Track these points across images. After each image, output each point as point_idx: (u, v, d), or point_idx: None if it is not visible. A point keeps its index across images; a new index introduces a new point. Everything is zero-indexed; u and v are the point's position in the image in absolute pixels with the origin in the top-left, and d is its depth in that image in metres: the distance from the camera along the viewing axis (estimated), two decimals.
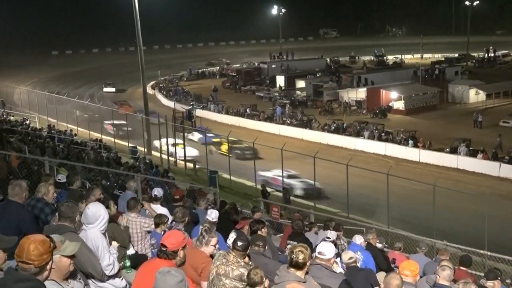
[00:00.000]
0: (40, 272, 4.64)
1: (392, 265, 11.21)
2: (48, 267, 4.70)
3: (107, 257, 6.70)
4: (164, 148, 40.55)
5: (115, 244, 7.32)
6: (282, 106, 59.91)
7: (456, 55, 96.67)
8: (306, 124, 52.26)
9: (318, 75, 78.55)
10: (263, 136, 44.19)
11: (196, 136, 44.77)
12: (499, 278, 8.69)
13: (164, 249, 6.17)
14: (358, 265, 8.85)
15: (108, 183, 21.11)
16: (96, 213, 6.78)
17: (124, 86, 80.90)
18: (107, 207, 7.94)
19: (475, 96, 62.59)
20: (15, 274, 4.54)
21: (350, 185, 29.46)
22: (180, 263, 6.26)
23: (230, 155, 38.07)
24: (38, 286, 4.53)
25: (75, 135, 42.43)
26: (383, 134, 46.25)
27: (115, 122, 46.75)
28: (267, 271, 7.06)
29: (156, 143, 42.57)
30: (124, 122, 46.44)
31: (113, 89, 78.63)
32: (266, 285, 6.12)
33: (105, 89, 78.81)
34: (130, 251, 8.42)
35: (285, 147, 32.75)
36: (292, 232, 12.07)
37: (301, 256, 6.24)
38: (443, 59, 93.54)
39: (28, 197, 8.24)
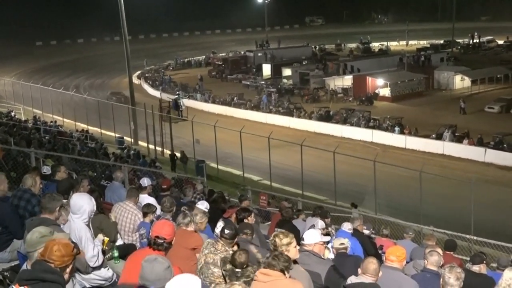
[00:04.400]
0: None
1: (380, 251, 11.28)
2: (68, 270, 4.91)
3: (91, 248, 6.67)
4: None
5: (100, 237, 7.27)
6: (269, 95, 59.92)
7: (442, 41, 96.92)
8: (292, 112, 52.33)
9: (304, 63, 78.52)
10: (250, 124, 44.17)
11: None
12: (484, 262, 8.76)
13: (161, 241, 6.03)
14: (347, 252, 8.91)
15: (95, 174, 21.02)
16: (77, 203, 6.74)
17: (110, 76, 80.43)
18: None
19: (461, 82, 62.87)
20: (43, 265, 4.75)
21: (337, 172, 29.59)
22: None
23: None
24: (61, 281, 4.70)
25: (61, 126, 42.16)
26: (369, 121, 46.40)
27: None
28: (255, 259, 7.09)
29: None
30: None
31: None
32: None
33: None
34: (118, 242, 8.42)
35: (272, 135, 32.79)
36: (280, 220, 12.11)
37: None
38: (428, 45, 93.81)
39: (14, 189, 8.21)
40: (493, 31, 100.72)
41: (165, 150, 39.91)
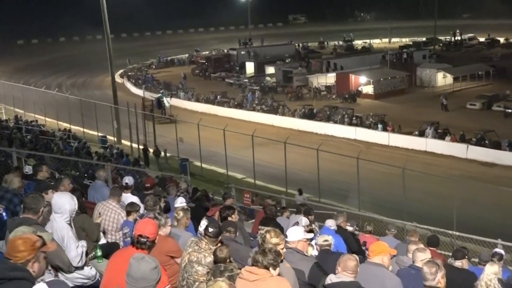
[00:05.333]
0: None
1: (363, 248, 11.33)
2: (31, 265, 4.74)
3: (74, 247, 6.63)
4: None
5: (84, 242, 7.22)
6: (252, 93, 59.92)
7: (424, 39, 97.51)
8: (276, 110, 52.39)
9: (287, 61, 78.64)
10: (234, 122, 44.17)
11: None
12: (466, 257, 8.83)
13: (144, 239, 6.02)
14: (331, 249, 8.92)
15: (78, 173, 20.91)
16: (58, 202, 6.70)
17: (92, 75, 79.96)
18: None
19: (443, 79, 63.29)
20: (7, 263, 4.64)
21: (321, 170, 29.67)
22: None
23: None
24: (28, 277, 4.59)
25: (43, 125, 41.87)
26: (353, 118, 46.55)
27: None
28: (239, 257, 7.11)
29: None
30: None
31: None
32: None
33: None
34: (102, 241, 8.38)
35: (256, 133, 32.78)
36: (264, 218, 12.11)
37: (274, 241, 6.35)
38: (411, 43, 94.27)
39: None
40: (474, 29, 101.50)
41: (149, 149, 39.73)
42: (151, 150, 37.63)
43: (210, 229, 7.21)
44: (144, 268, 4.89)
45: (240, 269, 6.06)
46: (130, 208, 9.36)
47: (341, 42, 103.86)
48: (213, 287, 4.80)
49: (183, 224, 8.86)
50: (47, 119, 47.21)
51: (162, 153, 38.10)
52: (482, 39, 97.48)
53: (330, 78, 63.47)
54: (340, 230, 11.11)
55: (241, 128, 39.43)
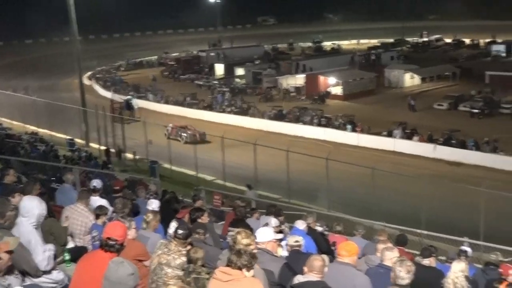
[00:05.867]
0: None
1: (333, 248, 11.38)
2: None
3: (40, 251, 6.55)
4: None
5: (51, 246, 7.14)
6: (222, 94, 59.90)
7: (392, 40, 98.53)
8: (246, 111, 52.44)
9: (257, 63, 78.78)
10: (204, 124, 44.14)
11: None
12: (434, 255, 8.95)
13: (112, 242, 5.97)
14: (301, 249, 8.96)
15: (45, 177, 20.64)
16: (27, 206, 6.63)
17: (60, 77, 79.01)
18: None
19: (411, 80, 64.08)
20: None
21: (291, 171, 29.77)
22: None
23: None
24: None
25: (9, 128, 41.25)
26: (322, 119, 46.81)
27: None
28: (208, 258, 7.09)
29: None
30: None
31: None
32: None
33: None
34: (70, 245, 8.30)
35: (226, 134, 32.75)
36: (234, 219, 12.10)
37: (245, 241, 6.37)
38: (379, 44, 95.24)
39: None
40: (441, 30, 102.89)
41: (112, 149, 39.39)
42: (113, 151, 37.44)
43: (180, 231, 7.19)
44: (122, 272, 4.87)
45: (209, 273, 6.07)
46: (99, 211, 9.29)
47: (310, 44, 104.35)
48: None
49: (152, 226, 8.81)
50: (13, 122, 46.52)
51: (132, 156, 37.86)
52: (448, 40, 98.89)
53: (299, 80, 63.81)
54: (310, 231, 11.15)
55: (211, 129, 39.37)
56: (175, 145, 35.66)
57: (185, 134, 42.70)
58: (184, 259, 6.84)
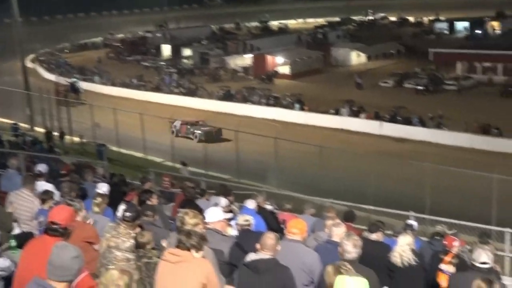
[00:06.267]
0: None
1: (282, 226, 11.48)
2: None
3: None
4: None
5: None
6: (169, 75, 59.36)
7: (338, 19, 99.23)
8: (194, 92, 52.15)
9: (204, 43, 78.29)
10: (152, 106, 43.68)
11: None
12: (381, 230, 9.12)
13: (55, 226, 5.83)
14: (251, 228, 9.01)
15: None
16: None
17: (1, 60, 76.74)
18: None
19: (357, 58, 64.91)
20: None
21: (240, 150, 29.86)
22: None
23: None
24: None
25: None
26: (270, 99, 46.94)
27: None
28: (157, 240, 7.07)
29: None
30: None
31: None
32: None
33: None
34: (16, 231, 8.15)
35: (174, 116, 32.52)
36: (183, 200, 12.08)
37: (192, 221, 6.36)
38: (325, 23, 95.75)
39: None
40: (386, 8, 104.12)
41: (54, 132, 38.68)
42: (55, 134, 36.76)
43: (127, 214, 7.14)
44: (64, 256, 4.78)
45: (160, 256, 6.05)
46: (45, 196, 9.14)
47: (257, 23, 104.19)
48: (105, 277, 4.76)
49: (101, 209, 8.73)
50: None
51: (78, 139, 37.24)
52: (393, 19, 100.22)
53: (247, 60, 63.78)
54: (259, 210, 11.22)
55: (159, 111, 38.96)
56: (123, 127, 35.16)
57: (199, 132, 37.65)
58: (133, 241, 6.80)
